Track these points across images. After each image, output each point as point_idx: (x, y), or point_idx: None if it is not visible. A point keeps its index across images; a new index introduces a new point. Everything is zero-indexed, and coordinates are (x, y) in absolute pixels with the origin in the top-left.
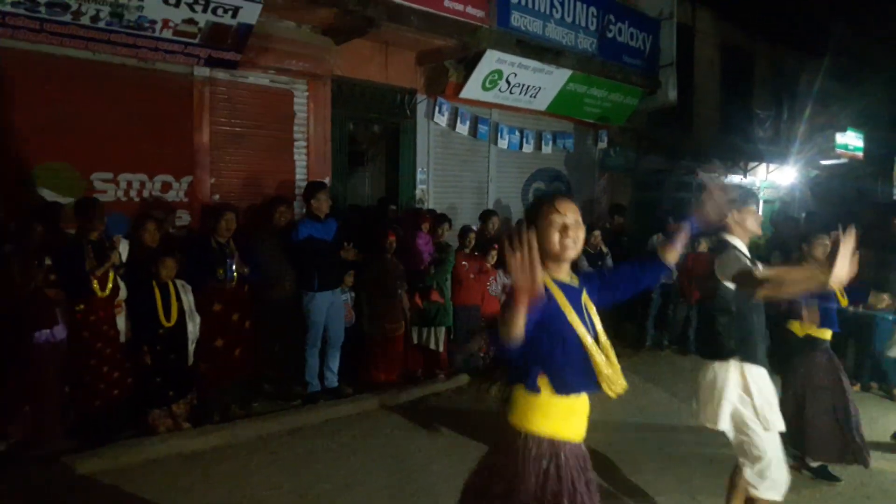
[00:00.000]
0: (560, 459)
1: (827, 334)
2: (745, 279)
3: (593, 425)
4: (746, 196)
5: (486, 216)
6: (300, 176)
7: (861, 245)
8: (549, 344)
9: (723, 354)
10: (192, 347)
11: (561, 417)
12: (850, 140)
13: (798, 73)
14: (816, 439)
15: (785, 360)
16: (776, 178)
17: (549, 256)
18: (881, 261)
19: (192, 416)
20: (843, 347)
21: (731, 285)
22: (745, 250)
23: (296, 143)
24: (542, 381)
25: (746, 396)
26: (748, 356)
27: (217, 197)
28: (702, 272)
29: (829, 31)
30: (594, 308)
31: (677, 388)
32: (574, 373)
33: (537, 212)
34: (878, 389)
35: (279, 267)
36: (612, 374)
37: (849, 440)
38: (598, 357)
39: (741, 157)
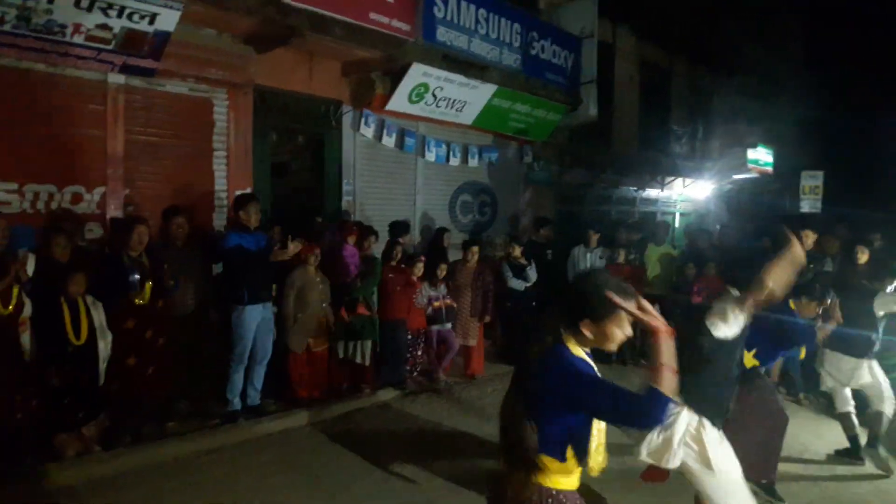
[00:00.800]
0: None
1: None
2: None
3: None
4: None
5: (400, 227)
6: (220, 187)
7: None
8: (586, 421)
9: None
10: (103, 366)
11: (577, 475)
12: (761, 156)
13: (712, 91)
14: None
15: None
16: (692, 192)
17: (595, 342)
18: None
19: (102, 438)
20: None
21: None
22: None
23: (215, 154)
24: (570, 453)
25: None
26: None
27: (132, 209)
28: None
29: (741, 51)
30: None
31: None
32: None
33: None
34: (786, 395)
35: (184, 281)
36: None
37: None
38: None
39: (659, 172)
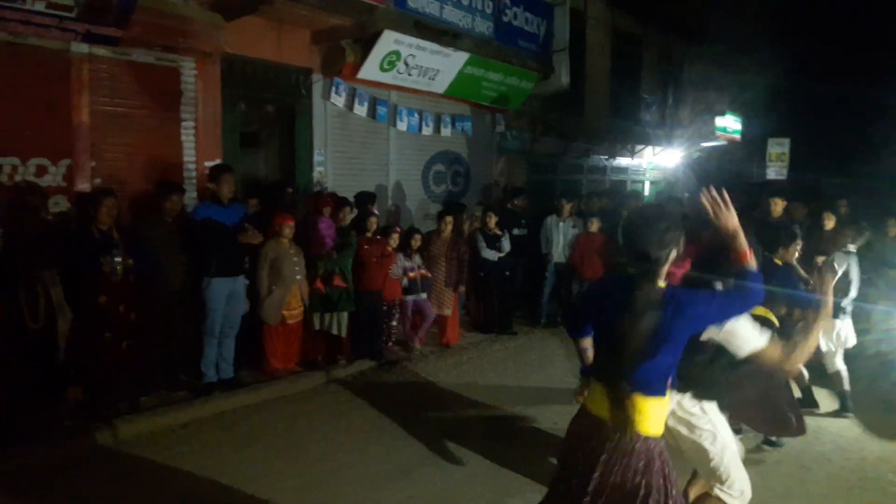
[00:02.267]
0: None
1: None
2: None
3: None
4: None
5: (366, 198)
6: (188, 158)
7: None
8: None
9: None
10: (62, 344)
11: None
12: (729, 123)
13: (682, 60)
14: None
15: None
16: (661, 161)
17: None
18: (759, 237)
19: (76, 414)
20: None
21: None
22: None
23: (183, 124)
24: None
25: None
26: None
27: (98, 181)
28: (595, 251)
29: (710, 20)
30: None
31: (572, 364)
32: None
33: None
34: None
35: (171, 256)
36: None
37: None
38: None
39: (629, 141)
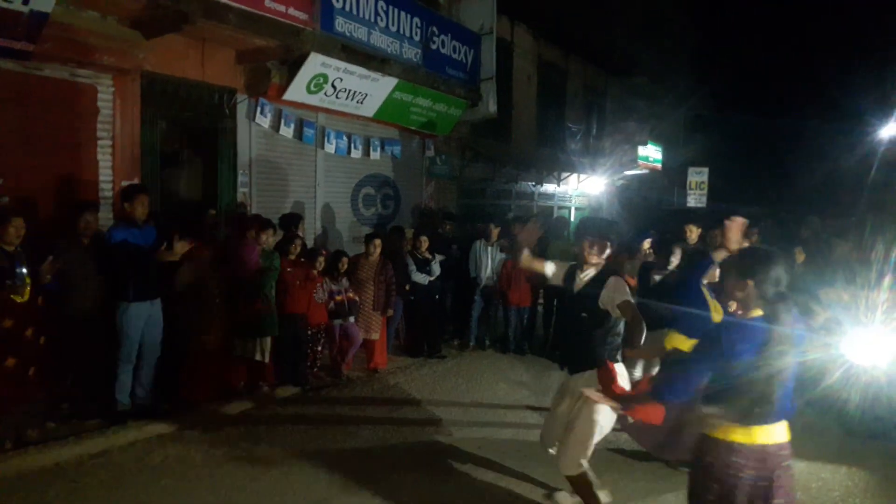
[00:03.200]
0: None
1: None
2: (628, 310)
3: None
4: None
5: (291, 220)
6: (104, 177)
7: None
8: None
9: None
10: None
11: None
12: (651, 153)
13: (605, 90)
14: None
15: None
16: (586, 188)
17: None
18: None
19: None
20: None
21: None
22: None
23: (100, 143)
24: None
25: None
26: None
27: (6, 200)
28: (522, 275)
29: (632, 53)
30: None
31: (497, 388)
32: None
33: None
34: None
35: (84, 278)
36: None
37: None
38: None
39: (556, 168)
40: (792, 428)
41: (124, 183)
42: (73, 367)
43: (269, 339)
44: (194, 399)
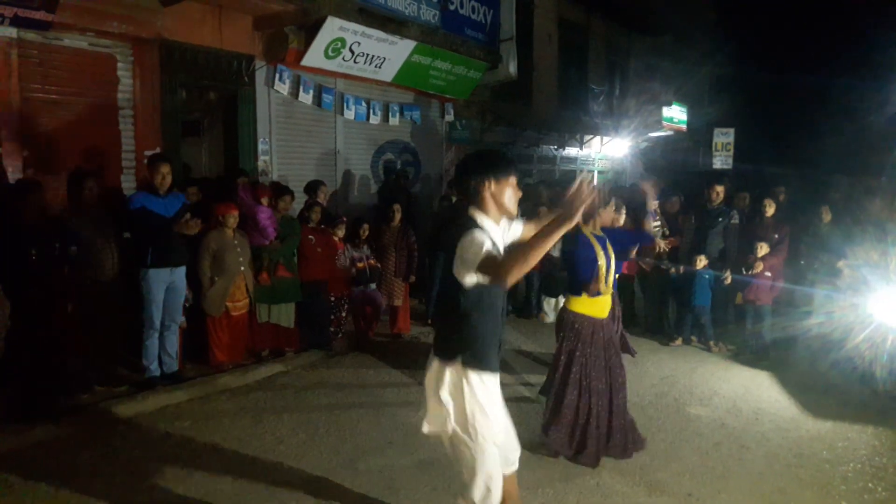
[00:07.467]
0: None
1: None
2: (489, 268)
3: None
4: (507, 164)
5: (313, 186)
6: (127, 147)
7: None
8: None
9: (446, 356)
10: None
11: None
12: (675, 114)
13: (629, 50)
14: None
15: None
16: (609, 151)
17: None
18: (700, 224)
19: (13, 411)
20: (665, 305)
21: (469, 279)
22: (494, 233)
23: (121, 112)
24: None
25: (454, 401)
26: (472, 361)
27: (31, 171)
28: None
29: (655, 10)
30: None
31: (532, 350)
32: None
33: None
34: (697, 342)
35: (101, 246)
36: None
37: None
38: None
39: (578, 131)
40: (817, 388)
41: (147, 152)
42: (101, 335)
43: (292, 305)
44: (222, 365)
